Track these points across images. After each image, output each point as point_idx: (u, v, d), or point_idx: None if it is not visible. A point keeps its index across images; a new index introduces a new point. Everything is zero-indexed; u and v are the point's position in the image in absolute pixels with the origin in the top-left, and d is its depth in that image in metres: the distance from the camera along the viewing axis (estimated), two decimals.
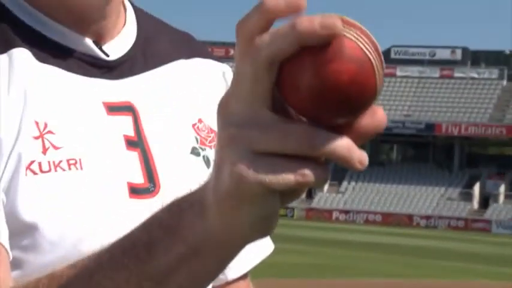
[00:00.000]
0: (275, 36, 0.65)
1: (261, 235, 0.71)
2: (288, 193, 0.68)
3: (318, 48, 0.64)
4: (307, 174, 0.66)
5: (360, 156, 0.66)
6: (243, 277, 1.17)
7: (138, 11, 1.13)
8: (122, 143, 1.01)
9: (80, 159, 0.96)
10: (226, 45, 60.80)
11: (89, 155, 0.97)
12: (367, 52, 0.64)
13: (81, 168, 0.96)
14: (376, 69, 0.64)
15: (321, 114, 0.65)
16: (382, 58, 0.65)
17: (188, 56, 1.15)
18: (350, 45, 0.64)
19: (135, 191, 1.00)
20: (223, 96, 0.69)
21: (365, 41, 0.64)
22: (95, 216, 0.96)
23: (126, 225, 0.86)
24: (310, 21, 0.64)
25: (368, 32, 0.65)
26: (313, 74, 0.64)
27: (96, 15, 1.04)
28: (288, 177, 0.66)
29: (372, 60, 0.64)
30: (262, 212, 0.68)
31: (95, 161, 0.98)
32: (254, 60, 0.66)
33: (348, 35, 0.64)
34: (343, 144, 0.65)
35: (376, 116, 0.67)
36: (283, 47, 0.65)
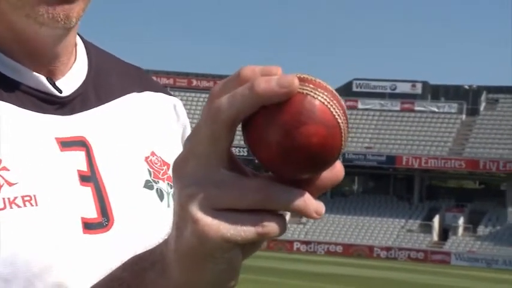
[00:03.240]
0: (234, 98, 0.67)
1: None
2: (249, 246, 0.71)
3: (284, 107, 0.66)
4: (267, 225, 0.68)
5: (316, 207, 0.69)
6: None
7: (88, 45, 1.13)
8: (76, 179, 1.01)
9: (34, 196, 0.95)
10: (190, 76, 60.93)
11: (43, 191, 0.96)
12: (337, 116, 0.68)
13: (36, 205, 0.95)
14: (343, 132, 0.68)
15: (286, 170, 0.68)
16: (348, 120, 0.69)
17: (140, 89, 1.16)
18: (321, 108, 0.67)
19: (88, 226, 0.99)
20: (179, 156, 0.70)
21: (335, 105, 0.68)
22: (49, 252, 0.95)
23: (80, 261, 0.86)
24: (268, 82, 0.66)
25: (335, 93, 0.69)
26: (284, 134, 0.66)
27: (49, 54, 1.03)
28: (249, 230, 0.68)
29: (341, 124, 0.68)
30: (225, 266, 0.70)
31: (49, 197, 0.97)
32: (214, 122, 0.67)
33: (319, 97, 0.67)
34: (299, 197, 0.68)
35: (334, 170, 0.70)
36: (243, 109, 0.66)
